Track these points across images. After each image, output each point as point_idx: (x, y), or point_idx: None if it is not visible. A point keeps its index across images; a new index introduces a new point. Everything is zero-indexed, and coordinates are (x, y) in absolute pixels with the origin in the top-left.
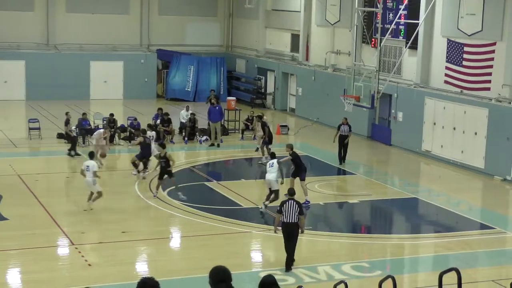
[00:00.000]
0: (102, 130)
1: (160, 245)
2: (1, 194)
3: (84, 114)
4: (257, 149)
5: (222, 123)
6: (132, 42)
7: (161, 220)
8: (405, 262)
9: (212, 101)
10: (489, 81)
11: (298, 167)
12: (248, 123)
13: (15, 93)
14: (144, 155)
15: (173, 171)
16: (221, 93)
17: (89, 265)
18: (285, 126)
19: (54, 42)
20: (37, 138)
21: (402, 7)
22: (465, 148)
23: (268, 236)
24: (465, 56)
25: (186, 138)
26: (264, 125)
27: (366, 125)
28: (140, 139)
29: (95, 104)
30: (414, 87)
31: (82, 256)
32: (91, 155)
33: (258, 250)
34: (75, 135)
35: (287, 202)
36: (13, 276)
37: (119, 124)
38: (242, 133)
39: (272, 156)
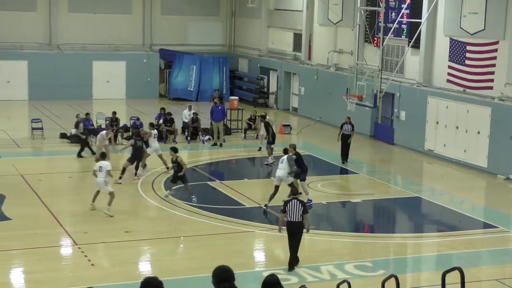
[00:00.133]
0: (104, 132)
1: (163, 244)
2: (4, 194)
3: (87, 114)
4: (259, 149)
5: (225, 123)
6: (135, 42)
7: (164, 220)
8: (408, 261)
9: (215, 100)
10: (492, 80)
11: (299, 167)
12: (251, 123)
13: (18, 93)
14: (135, 158)
15: (186, 177)
16: (224, 92)
17: (92, 265)
18: (288, 125)
19: (56, 42)
20: (40, 138)
21: (404, 6)
22: (468, 147)
23: (271, 236)
24: (467, 55)
25: (188, 138)
26: (267, 125)
27: (368, 124)
28: (131, 141)
29: (98, 104)
30: (417, 86)
31: (85, 256)
32: (103, 156)
33: (261, 250)
34: (84, 137)
35: (291, 202)
36: (16, 276)
37: (121, 124)
38: (245, 132)
39: (284, 152)
